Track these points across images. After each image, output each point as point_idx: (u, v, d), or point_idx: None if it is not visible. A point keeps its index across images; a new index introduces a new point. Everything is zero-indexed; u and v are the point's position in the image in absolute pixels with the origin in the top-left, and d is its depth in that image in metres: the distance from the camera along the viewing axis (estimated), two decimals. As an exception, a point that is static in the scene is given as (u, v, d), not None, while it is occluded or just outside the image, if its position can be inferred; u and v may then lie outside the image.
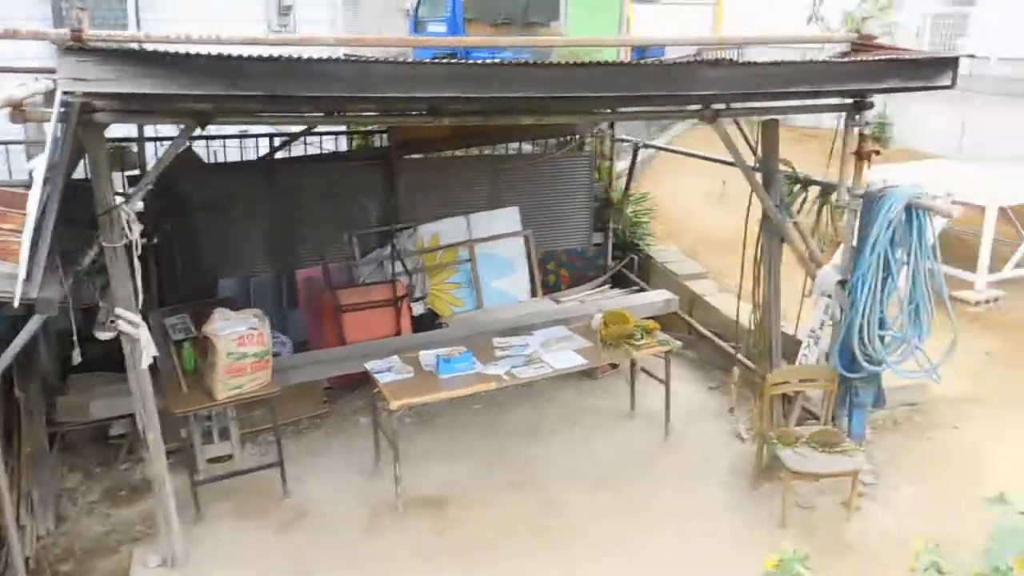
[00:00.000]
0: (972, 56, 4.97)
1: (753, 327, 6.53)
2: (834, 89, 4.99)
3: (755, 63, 4.43)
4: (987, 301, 8.21)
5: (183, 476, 5.39)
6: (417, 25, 17.90)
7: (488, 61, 4.02)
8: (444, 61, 4.02)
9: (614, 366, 7.28)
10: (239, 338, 5.22)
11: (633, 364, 6.73)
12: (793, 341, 6.49)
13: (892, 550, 5.09)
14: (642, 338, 6.27)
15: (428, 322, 7.62)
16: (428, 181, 7.91)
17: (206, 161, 7.68)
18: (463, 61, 4.03)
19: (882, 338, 5.51)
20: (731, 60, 4.35)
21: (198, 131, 4.41)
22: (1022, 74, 10.98)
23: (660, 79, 4.44)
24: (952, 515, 5.33)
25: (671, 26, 13.01)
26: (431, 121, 4.95)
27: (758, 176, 5.87)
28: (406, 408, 5.54)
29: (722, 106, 5.30)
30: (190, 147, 6.88)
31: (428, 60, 4.06)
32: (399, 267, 7.54)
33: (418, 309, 7.64)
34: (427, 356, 5.87)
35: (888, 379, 5.84)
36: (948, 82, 4.93)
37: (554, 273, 8.54)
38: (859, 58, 5.09)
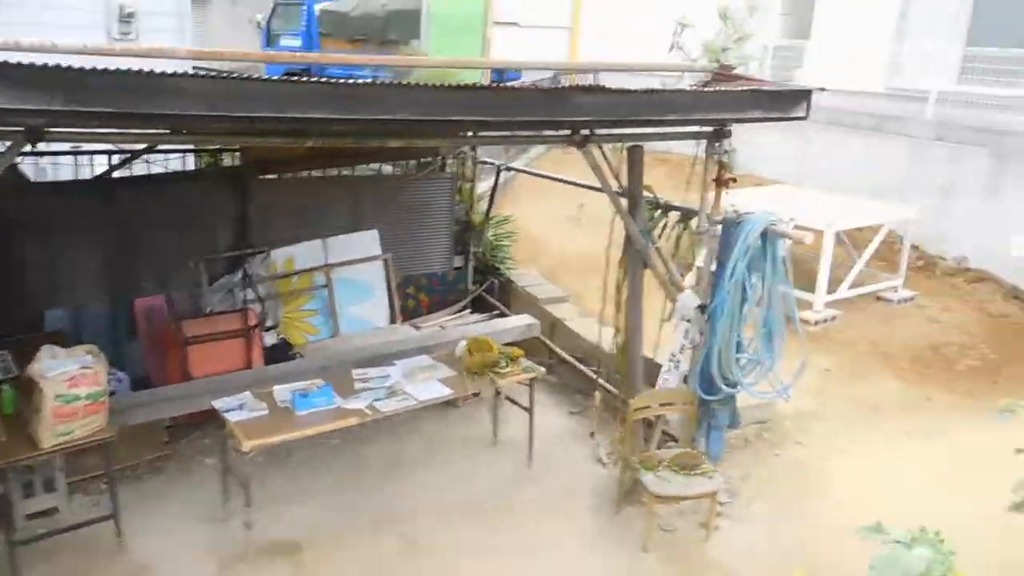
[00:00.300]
0: (823, 89, 5.18)
1: (615, 351, 6.59)
2: (701, 118, 5.11)
3: (628, 90, 4.44)
4: (825, 320, 8.68)
5: (-2, 536, 4.78)
6: (270, 39, 17.31)
7: (361, 80, 3.82)
8: (312, 79, 3.79)
9: (476, 394, 7.15)
10: (70, 378, 4.71)
11: (498, 392, 6.64)
12: (653, 365, 6.59)
13: (750, 568, 5.26)
14: (507, 366, 6.20)
15: (281, 352, 7.22)
16: (282, 203, 7.54)
17: (33, 179, 7.00)
18: (332, 80, 3.80)
19: (738, 361, 5.68)
20: (604, 87, 4.35)
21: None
22: (849, 105, 11.77)
23: (537, 104, 4.39)
24: (805, 530, 5.56)
25: (528, 48, 13.17)
26: (294, 141, 4.69)
27: (623, 201, 5.94)
28: (260, 448, 5.18)
29: (588, 131, 5.33)
30: (15, 163, 6.24)
31: (283, 76, 3.82)
32: (251, 294, 7.13)
33: (270, 339, 7.24)
34: (282, 392, 5.54)
35: (739, 398, 6.01)
36: (803, 113, 5.15)
37: (414, 298, 8.35)
38: (722, 87, 5.24)
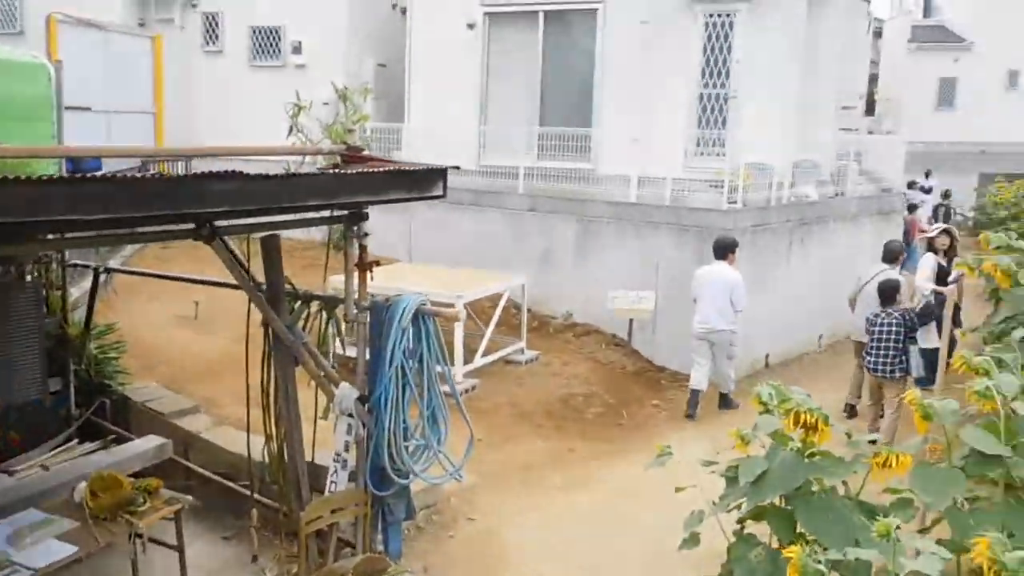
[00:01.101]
0: (458, 168, 5.26)
1: (269, 460, 5.95)
2: (344, 201, 4.85)
3: (266, 176, 4.01)
4: (467, 390, 8.86)
5: None
6: None
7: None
8: None
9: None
10: None
11: (138, 535, 5.56)
12: (316, 468, 6.06)
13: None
14: (144, 502, 5.24)
15: None
16: None
17: None
18: None
19: (407, 448, 5.45)
20: (241, 172, 3.85)
21: None
22: (448, 183, 12.41)
23: (158, 194, 3.73)
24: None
25: (108, 135, 11.87)
26: None
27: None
28: None
29: (211, 224, 4.76)
30: None
31: None
32: None
33: None
34: None
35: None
36: (441, 192, 5.15)
37: (0, 437, 6.77)
38: (357, 169, 5.04)
